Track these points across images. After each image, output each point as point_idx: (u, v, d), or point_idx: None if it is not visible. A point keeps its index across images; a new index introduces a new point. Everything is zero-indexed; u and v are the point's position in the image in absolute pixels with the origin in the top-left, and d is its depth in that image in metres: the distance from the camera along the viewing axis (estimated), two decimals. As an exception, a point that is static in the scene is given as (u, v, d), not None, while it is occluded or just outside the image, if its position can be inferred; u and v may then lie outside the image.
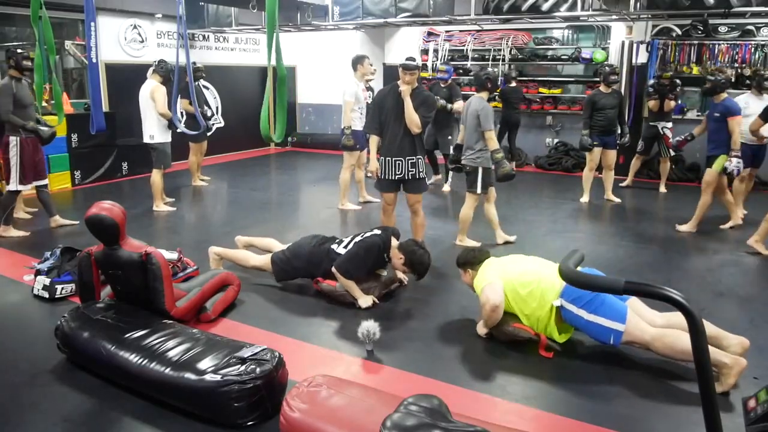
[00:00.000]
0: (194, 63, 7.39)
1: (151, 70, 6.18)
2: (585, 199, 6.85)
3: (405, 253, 3.81)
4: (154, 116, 6.03)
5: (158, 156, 6.19)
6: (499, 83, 5.60)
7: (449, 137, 7.28)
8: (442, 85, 7.26)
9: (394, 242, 3.94)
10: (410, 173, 4.46)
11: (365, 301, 3.78)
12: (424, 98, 4.42)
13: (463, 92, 9.87)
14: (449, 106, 7.03)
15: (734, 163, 5.34)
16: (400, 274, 4.18)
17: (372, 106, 4.65)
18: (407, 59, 4.36)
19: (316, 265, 3.98)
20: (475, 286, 3.38)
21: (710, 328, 2.96)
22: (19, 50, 4.97)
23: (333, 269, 3.80)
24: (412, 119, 4.30)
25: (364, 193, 6.79)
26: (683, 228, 5.66)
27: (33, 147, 5.21)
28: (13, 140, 5.09)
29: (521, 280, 3.21)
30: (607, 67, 6.71)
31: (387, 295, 3.99)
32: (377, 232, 4.00)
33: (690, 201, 5.86)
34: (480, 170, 4.87)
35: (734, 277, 4.48)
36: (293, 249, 4.11)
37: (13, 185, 5.21)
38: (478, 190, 4.92)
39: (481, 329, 3.38)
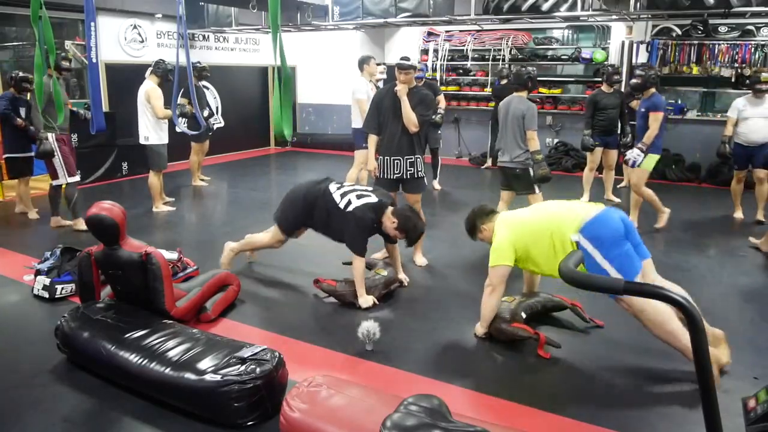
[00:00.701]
0: (199, 62, 7.36)
1: (149, 70, 6.19)
2: (585, 198, 6.84)
3: (399, 217, 3.81)
4: (149, 118, 6.04)
5: (153, 157, 6.21)
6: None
7: (439, 132, 7.57)
8: (418, 84, 7.36)
9: (388, 209, 3.91)
10: (409, 172, 4.46)
11: (365, 301, 3.78)
12: (422, 97, 4.42)
13: (464, 92, 9.95)
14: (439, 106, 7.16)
15: (635, 153, 5.30)
16: (401, 275, 4.18)
17: (371, 106, 4.67)
18: (402, 59, 4.37)
19: (312, 203, 4.02)
20: (490, 251, 3.28)
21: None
22: (57, 50, 4.99)
23: (351, 253, 3.82)
24: (410, 118, 4.30)
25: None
26: (659, 225, 5.64)
27: (68, 142, 5.41)
28: (50, 137, 5.23)
29: (535, 242, 3.11)
30: (609, 68, 6.71)
31: (387, 295, 4.00)
32: (373, 200, 3.89)
33: (689, 201, 5.85)
34: (531, 171, 4.81)
35: (734, 277, 4.48)
36: (288, 194, 4.20)
37: (62, 179, 5.40)
38: (537, 190, 4.86)
39: (480, 329, 3.37)
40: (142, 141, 6.21)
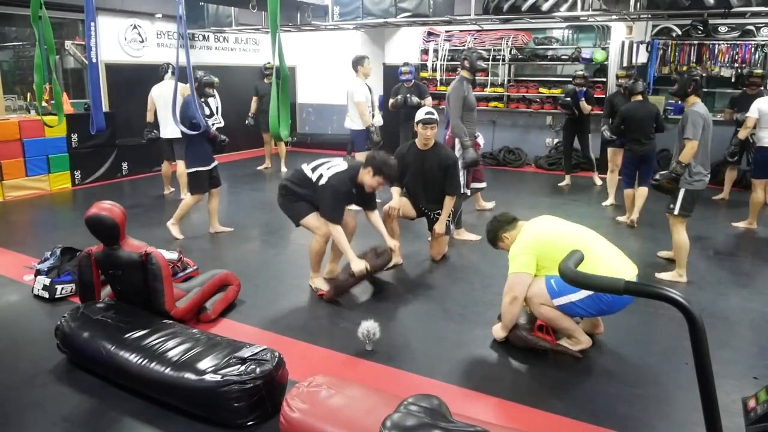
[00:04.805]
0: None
1: (170, 72, 6.41)
2: (609, 201, 6.69)
3: (370, 165, 3.81)
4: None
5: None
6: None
7: None
8: (407, 86, 7.31)
9: (360, 169, 3.91)
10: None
11: (357, 264, 3.76)
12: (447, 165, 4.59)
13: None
14: (422, 102, 7.12)
15: None
16: (389, 241, 4.06)
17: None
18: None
19: (303, 188, 3.94)
20: (509, 257, 3.21)
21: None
22: (477, 51, 4.91)
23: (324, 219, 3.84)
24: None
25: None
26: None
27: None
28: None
29: (559, 247, 2.94)
30: (633, 75, 6.57)
31: (381, 268, 4.02)
32: (343, 167, 3.91)
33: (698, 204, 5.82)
34: (682, 190, 4.28)
35: (734, 278, 4.48)
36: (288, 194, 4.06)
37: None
38: (676, 211, 4.28)
39: (500, 333, 3.26)
40: (178, 135, 6.26)
